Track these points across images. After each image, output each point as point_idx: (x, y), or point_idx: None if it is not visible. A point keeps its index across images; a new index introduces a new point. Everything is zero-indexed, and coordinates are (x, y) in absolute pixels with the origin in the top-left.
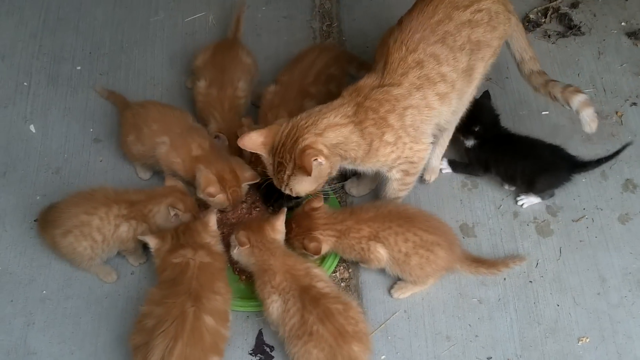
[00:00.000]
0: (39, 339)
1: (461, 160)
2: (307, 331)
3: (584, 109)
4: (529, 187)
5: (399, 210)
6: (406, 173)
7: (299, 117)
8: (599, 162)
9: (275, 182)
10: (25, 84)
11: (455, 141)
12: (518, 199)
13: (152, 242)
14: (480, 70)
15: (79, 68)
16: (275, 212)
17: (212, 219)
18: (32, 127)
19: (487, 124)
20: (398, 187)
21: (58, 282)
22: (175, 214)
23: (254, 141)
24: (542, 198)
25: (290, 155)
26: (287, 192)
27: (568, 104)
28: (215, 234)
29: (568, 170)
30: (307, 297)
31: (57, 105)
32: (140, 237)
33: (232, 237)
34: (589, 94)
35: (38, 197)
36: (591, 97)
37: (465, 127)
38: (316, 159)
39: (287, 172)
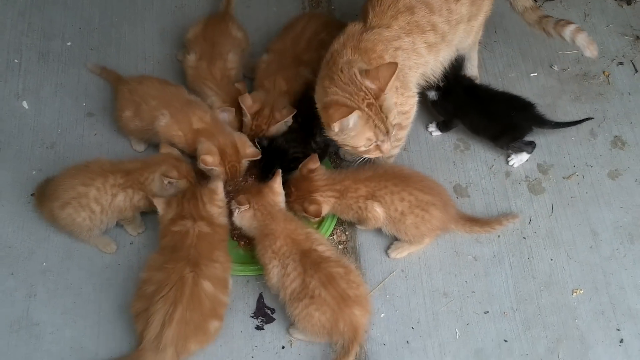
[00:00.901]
0: (42, 310)
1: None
2: (308, 294)
3: (577, 35)
4: (493, 141)
5: (395, 171)
6: (399, 126)
7: None
8: (559, 124)
9: None
10: (15, 61)
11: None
12: (509, 159)
13: (159, 206)
14: (475, 23)
15: (69, 44)
16: None
17: (220, 187)
18: (24, 104)
19: (448, 79)
20: (392, 143)
21: (58, 254)
22: (169, 182)
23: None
24: (527, 152)
25: None
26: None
27: (561, 36)
28: (222, 203)
29: (528, 127)
30: (308, 261)
31: (49, 82)
32: (153, 200)
33: (233, 202)
34: (575, 54)
35: (34, 172)
36: (577, 59)
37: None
38: None
39: None
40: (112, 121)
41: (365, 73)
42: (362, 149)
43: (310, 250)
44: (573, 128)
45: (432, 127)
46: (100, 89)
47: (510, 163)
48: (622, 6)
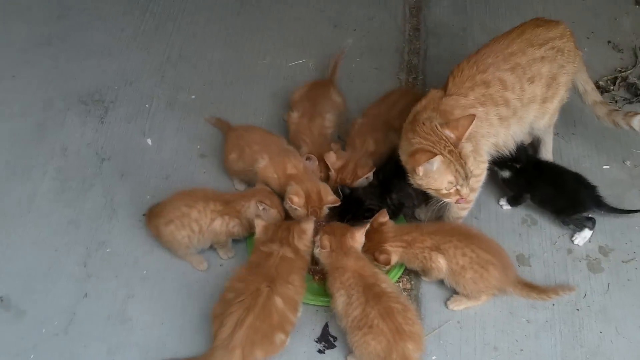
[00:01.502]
0: (136, 309)
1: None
2: (367, 324)
3: None
4: (556, 213)
5: (461, 228)
6: (470, 189)
7: None
8: (614, 210)
9: None
10: (146, 105)
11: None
12: (573, 238)
13: (258, 227)
14: (550, 105)
15: (193, 97)
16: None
17: (310, 228)
18: (149, 141)
19: (521, 160)
20: (461, 205)
21: (157, 266)
22: (264, 208)
23: None
24: (589, 228)
25: None
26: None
27: (630, 126)
28: (308, 242)
29: (589, 205)
30: (371, 293)
31: (172, 125)
32: (256, 220)
33: (317, 238)
34: None
35: (148, 197)
36: None
37: (500, 161)
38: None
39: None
40: (220, 163)
41: (445, 124)
42: (444, 191)
43: (374, 285)
44: (637, 218)
45: (503, 201)
46: (213, 136)
47: (575, 242)
48: None
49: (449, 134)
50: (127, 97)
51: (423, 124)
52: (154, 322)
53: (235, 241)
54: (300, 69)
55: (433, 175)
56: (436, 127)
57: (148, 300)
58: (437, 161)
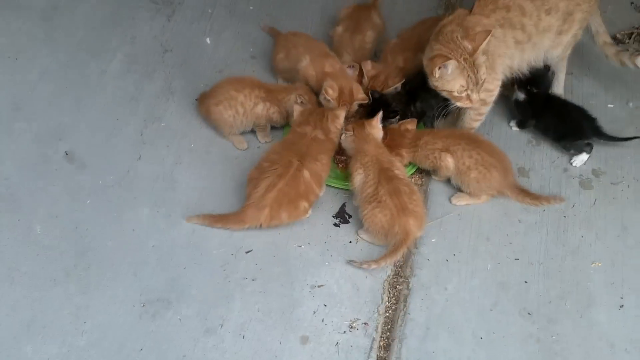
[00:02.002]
0: (182, 173)
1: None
2: (377, 199)
3: None
4: (557, 142)
5: (471, 134)
6: (483, 102)
7: None
8: (612, 138)
9: None
10: (209, 10)
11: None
12: (571, 160)
13: (296, 111)
14: (564, 38)
15: (251, 8)
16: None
17: (342, 114)
18: (208, 40)
19: (539, 87)
20: (474, 116)
21: (203, 141)
22: (301, 102)
23: None
24: (587, 152)
25: None
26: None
27: (634, 64)
28: (339, 125)
29: (589, 133)
30: (384, 175)
31: (229, 29)
32: (295, 105)
33: (343, 129)
34: None
35: (202, 85)
36: None
37: (521, 82)
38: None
39: None
40: (267, 65)
41: (464, 36)
42: (456, 94)
43: (388, 169)
44: (631, 149)
45: (512, 123)
46: (265, 42)
47: (574, 163)
48: None
49: (467, 44)
50: (192, 2)
51: (445, 34)
52: (196, 186)
53: (273, 129)
54: None
55: (447, 77)
56: (457, 37)
57: (193, 167)
58: (451, 64)
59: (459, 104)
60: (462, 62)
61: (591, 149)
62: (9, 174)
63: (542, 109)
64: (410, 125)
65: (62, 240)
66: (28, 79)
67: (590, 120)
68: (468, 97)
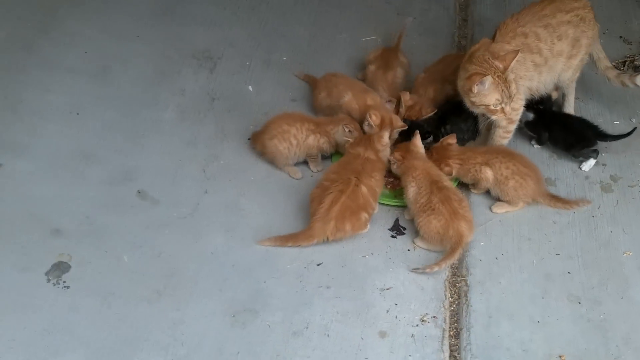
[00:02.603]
0: (246, 202)
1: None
2: (431, 207)
3: None
4: (567, 151)
5: (506, 149)
6: (510, 121)
7: None
8: (615, 137)
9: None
10: (247, 63)
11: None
12: (581, 165)
13: (349, 137)
14: (574, 61)
15: (284, 58)
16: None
17: (386, 135)
18: (250, 88)
19: (544, 104)
20: (502, 134)
21: (262, 173)
22: (349, 131)
23: None
24: (594, 158)
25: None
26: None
27: (634, 83)
28: (386, 145)
29: (594, 140)
30: (435, 186)
31: (268, 77)
32: (346, 136)
33: (391, 158)
34: None
35: (251, 127)
36: None
37: (528, 104)
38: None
39: None
40: (307, 106)
41: (495, 56)
42: (492, 107)
43: (438, 181)
44: None
45: (533, 142)
46: (302, 87)
47: (583, 168)
48: None
49: (498, 64)
50: (230, 56)
51: (477, 57)
52: (262, 212)
53: (324, 158)
54: (370, 43)
55: (484, 92)
56: (488, 58)
57: (255, 196)
58: (488, 80)
59: (494, 116)
60: (496, 78)
61: (597, 154)
62: (89, 214)
63: (550, 124)
64: (451, 139)
65: (148, 266)
66: (92, 130)
67: (593, 127)
68: (502, 110)
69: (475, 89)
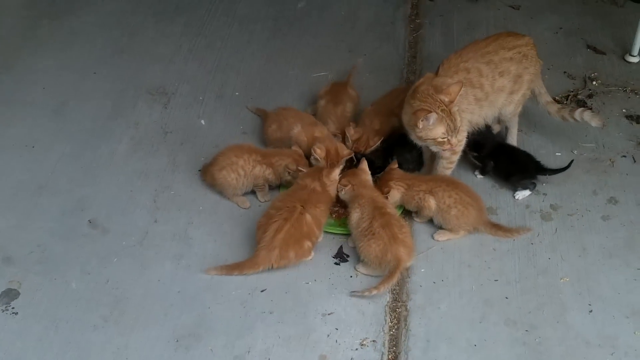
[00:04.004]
0: (194, 231)
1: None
2: (371, 232)
3: (584, 114)
4: (506, 180)
5: (449, 178)
6: (453, 152)
7: None
8: (554, 171)
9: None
10: (200, 98)
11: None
12: (514, 194)
13: (301, 174)
14: (516, 96)
15: (237, 93)
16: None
17: (335, 172)
18: (202, 121)
19: (485, 145)
20: (446, 164)
21: (210, 203)
22: (288, 173)
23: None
24: (530, 189)
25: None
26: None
27: (574, 118)
28: (334, 181)
29: (534, 173)
30: (378, 212)
31: (220, 112)
32: (299, 168)
33: (339, 185)
34: (591, 147)
35: (202, 159)
36: (592, 149)
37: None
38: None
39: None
40: (258, 139)
41: (439, 91)
42: (439, 139)
43: (382, 207)
44: (581, 187)
45: (477, 172)
46: (253, 120)
47: (516, 196)
48: (632, 124)
49: (443, 97)
50: (184, 92)
51: (421, 92)
52: (209, 240)
53: (271, 188)
54: (322, 79)
55: (429, 127)
56: (432, 92)
57: (204, 226)
58: (432, 117)
59: (441, 148)
60: (441, 112)
61: (534, 186)
62: (41, 242)
63: (496, 154)
64: (393, 164)
65: (96, 293)
66: (47, 162)
67: (535, 162)
68: (449, 142)
69: (421, 124)
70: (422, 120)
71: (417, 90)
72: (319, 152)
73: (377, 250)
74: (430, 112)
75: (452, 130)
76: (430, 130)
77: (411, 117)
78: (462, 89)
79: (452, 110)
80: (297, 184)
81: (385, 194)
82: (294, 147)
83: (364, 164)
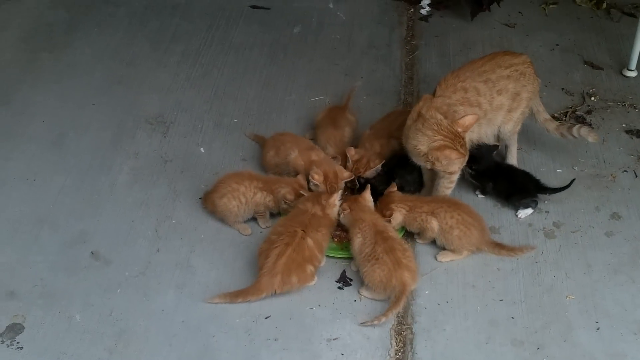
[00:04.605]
0: (197, 260)
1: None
2: (375, 257)
3: (580, 130)
4: (506, 200)
5: (451, 199)
6: (452, 172)
7: None
8: (555, 190)
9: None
10: (199, 126)
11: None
12: (517, 213)
13: (300, 200)
14: (514, 114)
15: (235, 120)
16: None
17: (335, 196)
18: (202, 149)
19: (482, 161)
20: (446, 184)
21: (212, 231)
22: (285, 202)
23: None
24: (532, 207)
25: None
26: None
27: (572, 134)
28: (333, 205)
29: (534, 192)
30: (380, 236)
31: (219, 139)
32: (302, 192)
33: (340, 209)
34: (592, 163)
35: (202, 186)
36: (593, 165)
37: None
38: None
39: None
40: (257, 165)
41: (456, 123)
42: (456, 171)
43: (383, 232)
44: (583, 203)
45: (478, 192)
46: (252, 147)
47: (519, 215)
48: (632, 138)
49: (459, 129)
50: (183, 120)
51: (434, 123)
52: (212, 268)
53: (272, 216)
54: (319, 103)
55: (452, 163)
56: (448, 125)
57: (206, 254)
58: (457, 158)
59: (453, 176)
60: (461, 149)
61: (536, 204)
62: (43, 276)
63: (494, 175)
64: (392, 187)
65: (100, 325)
66: (47, 196)
67: (535, 181)
68: (460, 169)
69: (445, 161)
70: (446, 158)
71: (425, 118)
72: (316, 178)
73: (382, 275)
74: (454, 149)
75: (465, 158)
76: (449, 165)
77: (434, 152)
78: (462, 108)
79: (465, 139)
80: (297, 209)
81: (388, 217)
82: (299, 176)
83: (367, 193)
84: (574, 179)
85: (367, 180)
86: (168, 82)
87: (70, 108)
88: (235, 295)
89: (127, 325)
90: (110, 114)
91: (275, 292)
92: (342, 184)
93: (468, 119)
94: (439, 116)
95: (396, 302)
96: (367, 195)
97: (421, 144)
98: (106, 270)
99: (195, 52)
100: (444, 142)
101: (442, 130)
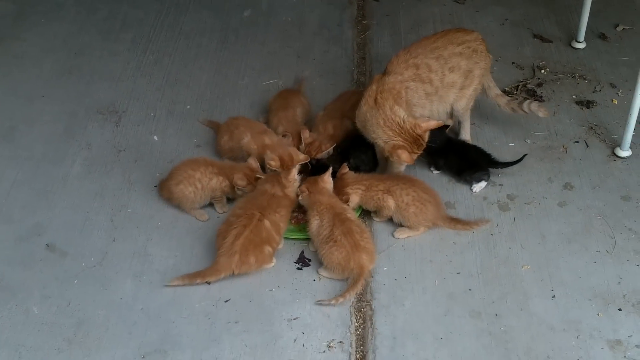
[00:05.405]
0: (154, 248)
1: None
2: (333, 239)
3: (531, 105)
4: (459, 176)
5: (406, 177)
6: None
7: None
8: (506, 164)
9: None
10: (152, 114)
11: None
12: (471, 187)
13: (260, 180)
14: (467, 91)
15: (188, 107)
16: None
17: (293, 172)
18: (155, 137)
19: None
20: (396, 166)
21: (168, 218)
22: (238, 189)
23: None
24: (485, 180)
25: None
26: None
27: (522, 110)
28: (293, 182)
29: (485, 167)
30: (338, 218)
31: (173, 127)
32: (258, 175)
33: (298, 189)
34: (543, 135)
35: (157, 174)
36: (545, 137)
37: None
38: None
39: None
40: (211, 151)
41: (418, 126)
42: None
43: (341, 214)
44: (536, 175)
45: (432, 168)
46: (206, 133)
47: (473, 189)
48: (582, 109)
49: (419, 131)
50: (135, 109)
51: (399, 124)
52: (169, 255)
53: (229, 200)
54: (273, 86)
55: (402, 162)
56: (412, 128)
57: (163, 242)
58: (408, 158)
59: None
60: (417, 150)
61: (489, 177)
62: None
63: (446, 151)
64: (343, 169)
65: (58, 316)
66: (0, 189)
67: (486, 155)
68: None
69: (396, 158)
70: (398, 157)
71: (386, 114)
72: (273, 165)
73: (340, 258)
74: (409, 153)
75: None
76: (399, 162)
77: (390, 149)
78: (412, 83)
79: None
80: (257, 191)
81: (345, 201)
82: (250, 160)
83: (327, 175)
84: (525, 154)
85: (319, 161)
86: (119, 70)
87: (20, 100)
88: (194, 277)
89: (85, 315)
90: (61, 105)
91: (234, 272)
92: (297, 166)
93: (432, 124)
94: (402, 114)
95: (354, 283)
96: (327, 177)
97: (380, 138)
98: (62, 262)
99: (145, 40)
100: (403, 144)
101: (402, 133)
